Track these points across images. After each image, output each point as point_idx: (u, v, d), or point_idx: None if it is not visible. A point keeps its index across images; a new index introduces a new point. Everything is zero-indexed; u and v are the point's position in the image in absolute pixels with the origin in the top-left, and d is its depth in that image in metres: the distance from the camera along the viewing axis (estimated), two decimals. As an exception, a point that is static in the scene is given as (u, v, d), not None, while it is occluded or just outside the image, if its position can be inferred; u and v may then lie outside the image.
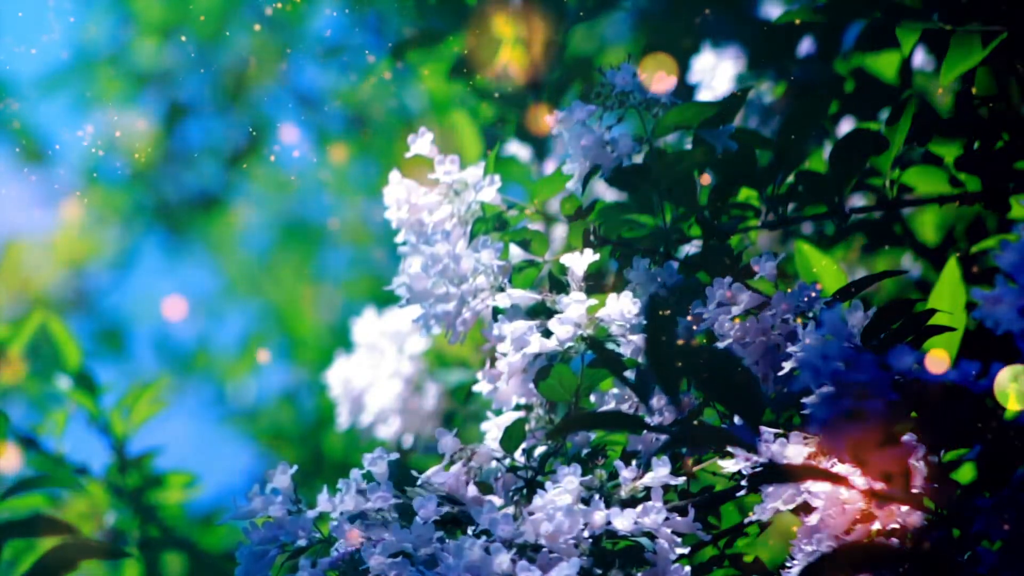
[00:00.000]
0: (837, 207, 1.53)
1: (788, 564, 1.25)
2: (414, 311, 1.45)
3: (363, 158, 3.71)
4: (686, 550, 1.28)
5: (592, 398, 1.41)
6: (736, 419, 1.27)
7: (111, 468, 2.28)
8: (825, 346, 1.12)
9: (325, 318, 3.95)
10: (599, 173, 1.49)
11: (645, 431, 1.29)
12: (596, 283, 1.50)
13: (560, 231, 2.00)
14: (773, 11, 2.18)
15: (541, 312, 1.43)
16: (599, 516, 1.24)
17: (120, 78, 3.74)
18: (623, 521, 1.24)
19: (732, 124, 1.51)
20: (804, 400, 1.18)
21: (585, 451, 1.38)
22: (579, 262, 1.41)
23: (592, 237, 1.51)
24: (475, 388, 1.44)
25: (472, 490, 1.34)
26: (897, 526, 1.20)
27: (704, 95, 2.07)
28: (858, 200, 1.79)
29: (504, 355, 1.38)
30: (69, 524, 1.77)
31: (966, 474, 1.47)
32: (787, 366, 1.31)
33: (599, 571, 1.23)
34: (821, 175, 1.55)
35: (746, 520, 1.36)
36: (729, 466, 1.31)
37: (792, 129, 1.53)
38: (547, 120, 1.52)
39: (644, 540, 1.25)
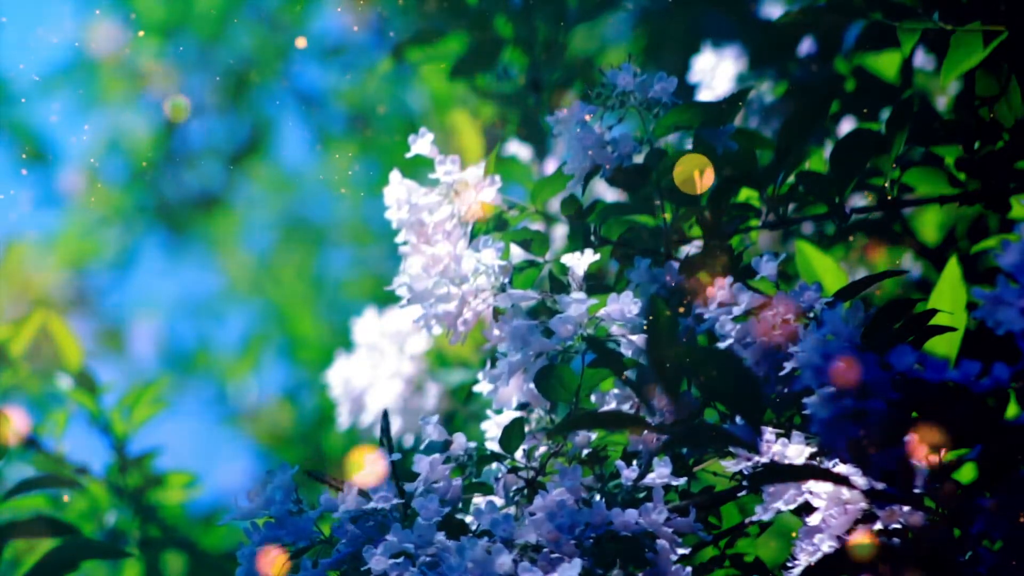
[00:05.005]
0: (837, 207, 1.54)
1: (789, 564, 1.25)
2: (415, 311, 1.44)
3: (364, 158, 3.71)
4: (687, 550, 1.28)
5: (593, 398, 1.41)
6: (737, 419, 1.27)
7: (112, 468, 2.28)
8: (826, 346, 1.12)
9: (325, 318, 3.95)
10: (599, 173, 1.49)
11: (646, 431, 1.29)
12: (597, 283, 1.50)
13: (561, 231, 2.01)
14: (773, 11, 2.18)
15: (542, 312, 1.43)
16: (600, 517, 1.24)
17: (121, 78, 3.74)
18: (624, 521, 1.24)
19: (732, 124, 1.51)
20: (805, 400, 1.18)
21: (586, 451, 1.39)
22: (580, 262, 1.41)
23: (592, 237, 1.51)
24: (476, 388, 1.44)
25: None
26: (898, 526, 1.20)
27: (704, 95, 2.07)
28: (858, 200, 1.79)
29: (505, 355, 1.38)
30: (70, 524, 1.77)
31: (967, 474, 1.47)
32: (788, 366, 1.31)
33: (600, 571, 1.23)
34: (821, 175, 1.55)
35: (747, 520, 1.36)
36: (730, 466, 1.31)
37: (792, 129, 1.53)
38: (547, 120, 1.52)
39: (645, 540, 1.25)
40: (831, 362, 1.11)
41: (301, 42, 3.58)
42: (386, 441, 1.36)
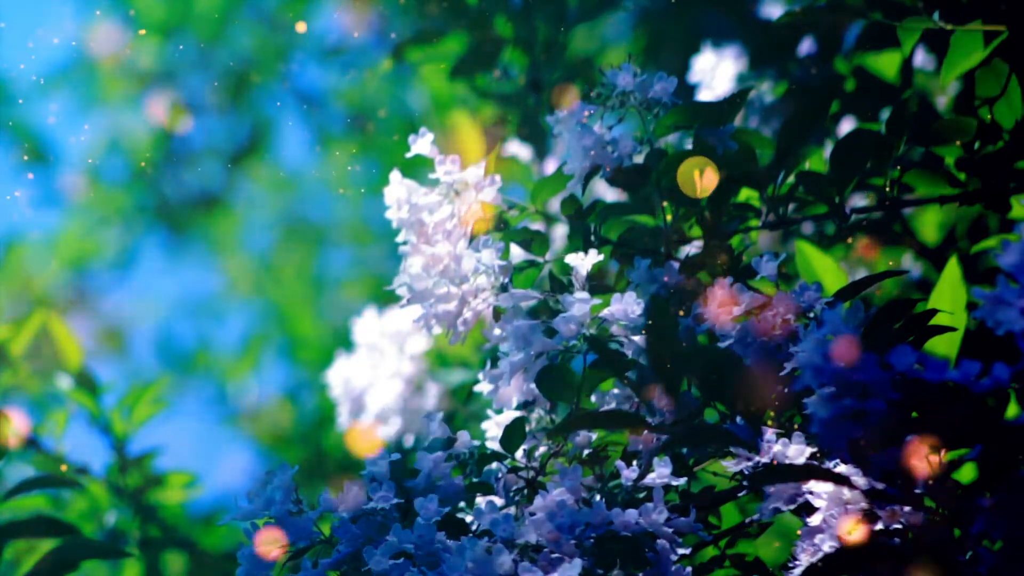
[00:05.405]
0: (837, 207, 1.54)
1: (790, 564, 1.25)
2: (415, 311, 1.45)
3: (364, 158, 3.72)
4: (687, 550, 1.29)
5: (593, 398, 1.41)
6: (737, 419, 1.27)
7: (112, 468, 2.28)
8: (826, 346, 1.12)
9: (325, 318, 3.95)
10: (600, 173, 1.49)
11: (646, 431, 1.29)
12: (597, 283, 1.50)
13: (561, 231, 2.01)
14: (773, 11, 2.18)
15: (542, 312, 1.43)
16: (600, 517, 1.24)
17: (121, 78, 3.74)
18: (624, 521, 1.24)
19: (732, 124, 1.51)
20: (805, 400, 1.18)
21: (586, 451, 1.39)
22: (584, 262, 1.41)
23: (592, 237, 1.51)
24: (476, 388, 1.44)
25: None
26: (898, 526, 1.20)
27: (704, 95, 2.07)
28: (858, 200, 1.79)
29: (505, 355, 1.39)
30: (70, 524, 1.77)
31: (967, 474, 1.47)
32: (788, 366, 1.31)
33: (600, 571, 1.23)
34: (821, 175, 1.55)
35: (747, 520, 1.36)
36: (730, 466, 1.31)
37: (792, 129, 1.53)
38: (547, 120, 1.52)
39: (645, 540, 1.25)
40: (831, 362, 1.11)
41: (301, 27, 3.58)
42: None
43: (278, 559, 1.30)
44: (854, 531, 1.21)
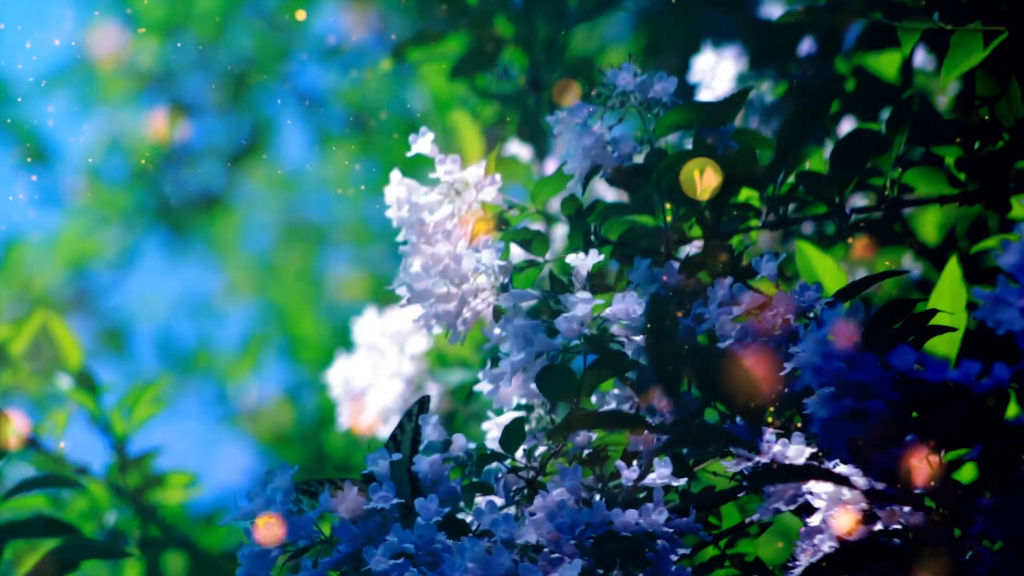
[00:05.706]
0: (837, 207, 1.54)
1: (790, 564, 1.25)
2: (415, 311, 1.45)
3: (364, 157, 3.72)
4: (687, 550, 1.28)
5: (593, 398, 1.41)
6: (737, 419, 1.27)
7: (112, 468, 2.28)
8: (827, 346, 1.12)
9: (325, 318, 3.95)
10: (600, 173, 1.49)
11: (646, 431, 1.29)
12: (597, 283, 1.50)
13: (561, 231, 2.01)
14: (773, 11, 2.18)
15: (542, 312, 1.43)
16: (600, 517, 1.24)
17: (121, 78, 3.74)
18: (624, 522, 1.24)
19: (732, 124, 1.51)
20: (805, 400, 1.18)
21: (586, 451, 1.39)
22: (584, 262, 1.41)
23: (592, 237, 1.51)
24: (476, 388, 1.44)
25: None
26: (898, 526, 1.20)
27: (704, 95, 2.07)
28: (858, 200, 1.79)
29: (505, 355, 1.38)
30: (70, 524, 1.77)
31: (967, 474, 1.47)
32: (788, 366, 1.31)
33: (600, 572, 1.23)
34: (822, 175, 1.55)
35: (747, 520, 1.36)
36: (730, 466, 1.31)
37: (792, 129, 1.53)
38: (547, 120, 1.52)
39: (645, 540, 1.25)
40: (832, 362, 1.12)
41: (301, 15, 3.58)
42: (409, 429, 1.37)
43: (278, 558, 1.30)
44: (854, 531, 1.21)
